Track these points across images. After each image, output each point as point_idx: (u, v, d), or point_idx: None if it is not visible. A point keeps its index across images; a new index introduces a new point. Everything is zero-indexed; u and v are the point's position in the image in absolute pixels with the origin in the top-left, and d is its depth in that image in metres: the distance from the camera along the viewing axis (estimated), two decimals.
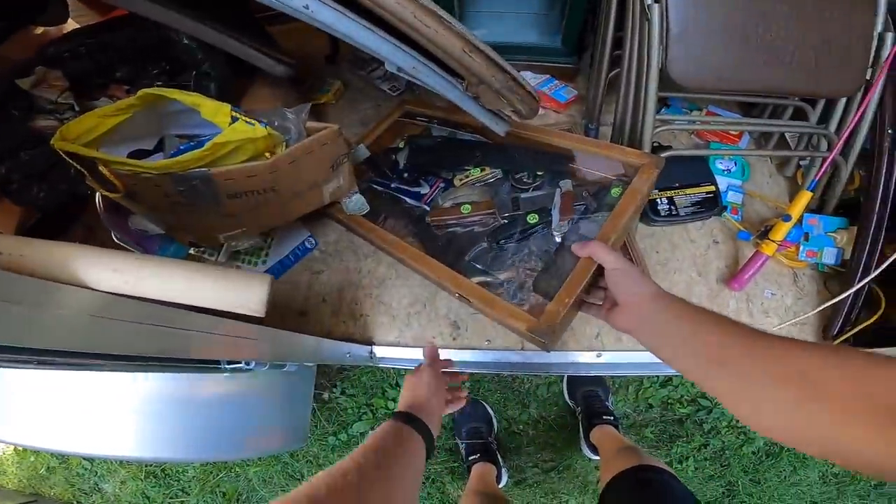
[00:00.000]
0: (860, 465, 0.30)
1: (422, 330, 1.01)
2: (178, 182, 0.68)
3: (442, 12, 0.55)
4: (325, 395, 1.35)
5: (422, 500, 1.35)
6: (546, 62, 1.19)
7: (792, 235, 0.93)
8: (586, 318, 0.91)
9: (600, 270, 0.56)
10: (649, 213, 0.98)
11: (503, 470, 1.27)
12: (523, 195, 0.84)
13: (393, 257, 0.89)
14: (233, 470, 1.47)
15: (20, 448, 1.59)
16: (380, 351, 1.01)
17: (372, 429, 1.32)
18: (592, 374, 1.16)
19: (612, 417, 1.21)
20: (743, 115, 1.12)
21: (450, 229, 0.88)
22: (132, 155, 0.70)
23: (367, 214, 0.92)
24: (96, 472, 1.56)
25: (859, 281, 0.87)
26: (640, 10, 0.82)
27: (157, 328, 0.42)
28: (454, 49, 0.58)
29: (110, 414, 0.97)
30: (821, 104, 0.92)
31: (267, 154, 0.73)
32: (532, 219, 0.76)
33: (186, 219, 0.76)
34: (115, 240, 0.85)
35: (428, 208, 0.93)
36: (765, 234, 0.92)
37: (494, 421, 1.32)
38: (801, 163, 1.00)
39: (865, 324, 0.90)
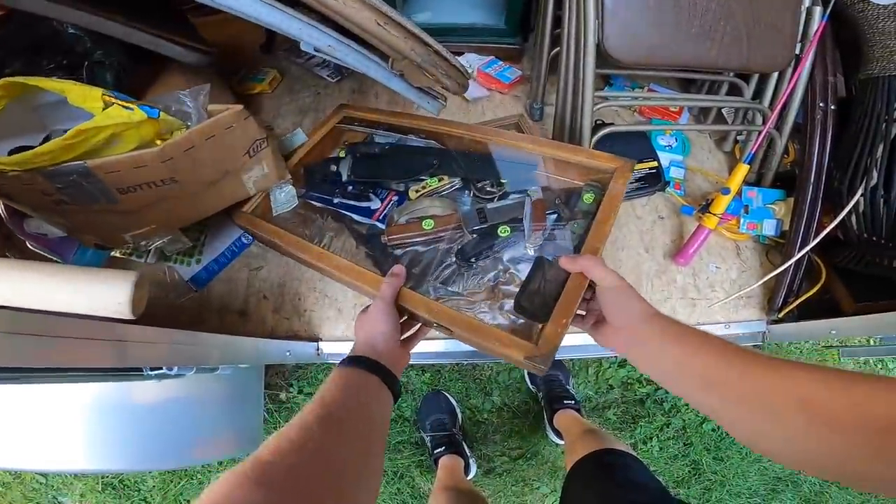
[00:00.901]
0: (878, 490, 0.30)
1: None
2: (52, 178, 0.62)
3: None
4: (283, 396, 1.32)
5: (392, 496, 1.33)
6: (490, 43, 1.17)
7: (732, 208, 0.93)
8: None
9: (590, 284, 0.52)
10: None
11: (471, 461, 1.25)
12: (489, 206, 0.75)
13: (343, 283, 0.77)
14: (195, 477, 1.42)
15: None
16: (327, 347, 0.98)
17: None
18: None
19: (573, 402, 1.21)
20: (682, 92, 1.11)
21: (410, 248, 0.76)
22: (13, 152, 0.64)
23: (306, 236, 0.80)
24: (53, 486, 1.49)
25: (798, 251, 0.87)
26: None
27: (30, 337, 0.38)
28: (367, 22, 0.55)
29: (51, 426, 0.92)
30: (754, 80, 0.92)
31: (158, 141, 0.67)
32: (503, 231, 0.68)
33: (78, 219, 0.70)
34: (31, 247, 0.80)
35: (381, 225, 0.81)
36: (706, 207, 0.92)
37: (458, 411, 1.30)
38: (739, 137, 1.00)
39: (808, 294, 0.91)
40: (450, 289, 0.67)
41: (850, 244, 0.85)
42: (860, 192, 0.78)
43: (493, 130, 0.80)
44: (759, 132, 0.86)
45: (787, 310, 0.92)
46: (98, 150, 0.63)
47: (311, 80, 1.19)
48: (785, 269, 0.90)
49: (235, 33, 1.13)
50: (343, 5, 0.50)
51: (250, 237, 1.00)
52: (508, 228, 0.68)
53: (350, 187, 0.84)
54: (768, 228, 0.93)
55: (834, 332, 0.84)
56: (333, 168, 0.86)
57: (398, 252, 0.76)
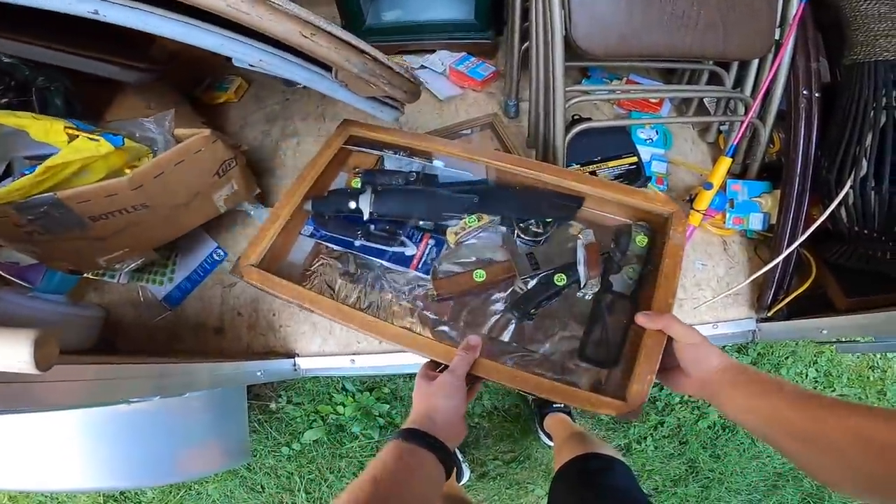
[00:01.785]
0: None
1: (346, 336, 0.97)
2: (23, 211, 0.62)
3: None
4: (272, 406, 1.31)
5: None
6: (463, 39, 1.13)
7: (717, 203, 0.89)
8: None
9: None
10: None
11: (464, 465, 1.24)
12: (539, 250, 0.68)
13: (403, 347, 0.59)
14: (192, 489, 1.44)
15: None
16: (304, 362, 0.97)
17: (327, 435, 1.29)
18: None
19: (562, 404, 1.19)
20: (664, 83, 1.06)
21: (458, 298, 0.68)
22: None
23: (329, 289, 0.68)
24: (57, 499, 1.52)
25: (787, 247, 0.83)
26: None
27: None
28: (291, 35, 0.52)
29: (40, 447, 0.93)
30: (735, 67, 0.87)
31: (127, 170, 0.67)
32: (560, 280, 0.64)
33: (51, 247, 0.70)
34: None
35: (423, 275, 0.69)
36: (689, 203, 0.88)
37: None
38: (722, 128, 0.95)
39: (798, 291, 0.87)
40: (514, 343, 0.63)
41: (841, 238, 0.80)
42: (849, 183, 0.73)
43: (538, 164, 0.68)
44: (742, 122, 0.81)
45: (776, 308, 0.88)
46: (68, 181, 0.63)
47: (279, 86, 1.16)
48: (773, 266, 0.85)
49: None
50: (260, 19, 0.47)
51: (223, 253, 0.99)
52: (565, 276, 0.64)
53: (373, 226, 0.70)
54: (755, 223, 0.88)
55: (825, 331, 0.80)
56: (352, 205, 0.69)
57: (445, 302, 0.67)
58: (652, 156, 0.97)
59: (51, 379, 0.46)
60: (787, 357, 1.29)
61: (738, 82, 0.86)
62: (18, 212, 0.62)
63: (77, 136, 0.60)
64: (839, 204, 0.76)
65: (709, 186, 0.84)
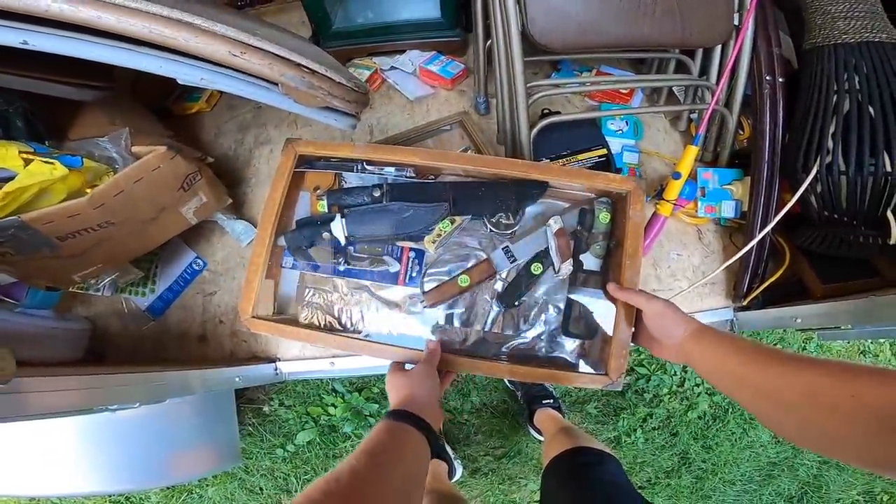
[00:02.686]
0: (878, 469, 0.34)
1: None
2: None
3: (193, 17, 0.49)
4: (265, 409, 1.34)
5: None
6: (432, 38, 1.12)
7: (688, 192, 0.88)
8: None
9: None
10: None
11: (456, 462, 1.25)
12: (512, 244, 0.71)
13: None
14: (193, 492, 1.47)
15: None
16: (286, 366, 0.99)
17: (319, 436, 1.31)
18: None
19: (552, 399, 1.19)
20: (634, 73, 1.04)
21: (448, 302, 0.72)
22: None
23: (329, 319, 0.71)
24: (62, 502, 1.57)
25: (759, 233, 0.81)
26: None
27: None
28: (220, 55, 0.52)
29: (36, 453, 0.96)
30: (700, 55, 0.85)
31: (88, 190, 0.69)
32: (536, 269, 0.69)
33: (26, 266, 0.73)
34: None
35: (410, 289, 0.71)
36: (660, 194, 0.87)
37: None
38: (692, 116, 0.94)
39: (773, 278, 0.86)
40: (506, 333, 0.70)
41: (812, 223, 0.78)
42: (815, 169, 0.71)
43: (496, 161, 0.69)
44: (706, 110, 0.79)
45: (752, 296, 0.87)
46: (31, 204, 0.65)
47: None
48: (747, 252, 0.84)
49: None
50: (186, 42, 0.47)
51: (202, 262, 1.01)
52: (541, 265, 0.69)
53: (352, 248, 0.72)
54: (727, 210, 0.87)
55: (799, 320, 0.78)
56: (326, 235, 0.69)
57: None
58: (623, 147, 0.96)
59: (36, 389, 0.48)
60: (776, 344, 1.27)
61: (704, 70, 0.85)
62: None
63: (32, 160, 0.62)
64: (809, 189, 0.74)
65: (677, 176, 0.83)
